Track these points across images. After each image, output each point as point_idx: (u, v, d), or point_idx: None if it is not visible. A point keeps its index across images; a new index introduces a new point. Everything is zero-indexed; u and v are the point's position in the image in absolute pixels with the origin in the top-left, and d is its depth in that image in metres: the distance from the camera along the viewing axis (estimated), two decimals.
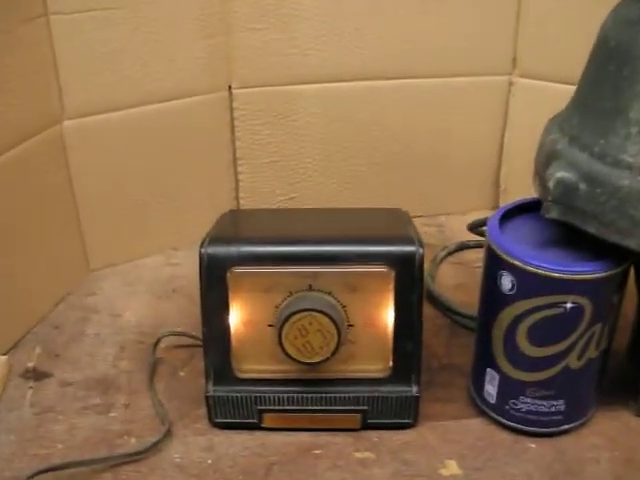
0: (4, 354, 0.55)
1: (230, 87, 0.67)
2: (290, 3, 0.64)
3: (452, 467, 0.46)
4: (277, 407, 0.48)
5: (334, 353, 0.45)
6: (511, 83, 0.70)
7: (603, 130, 0.42)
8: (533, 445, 0.47)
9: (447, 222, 0.74)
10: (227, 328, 0.46)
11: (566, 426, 0.48)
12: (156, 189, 0.67)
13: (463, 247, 0.69)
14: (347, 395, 0.47)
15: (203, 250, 0.45)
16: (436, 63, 0.69)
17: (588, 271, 0.42)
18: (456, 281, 0.65)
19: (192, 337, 0.56)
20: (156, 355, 0.55)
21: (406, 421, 0.48)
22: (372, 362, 0.47)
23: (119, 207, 0.65)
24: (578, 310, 0.43)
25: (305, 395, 0.47)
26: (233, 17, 0.64)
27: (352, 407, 0.48)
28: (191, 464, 0.46)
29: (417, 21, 0.67)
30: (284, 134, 0.69)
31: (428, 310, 0.59)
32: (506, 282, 0.44)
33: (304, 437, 0.48)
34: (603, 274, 0.43)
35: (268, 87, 0.67)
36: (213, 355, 0.47)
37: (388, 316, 0.46)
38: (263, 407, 0.48)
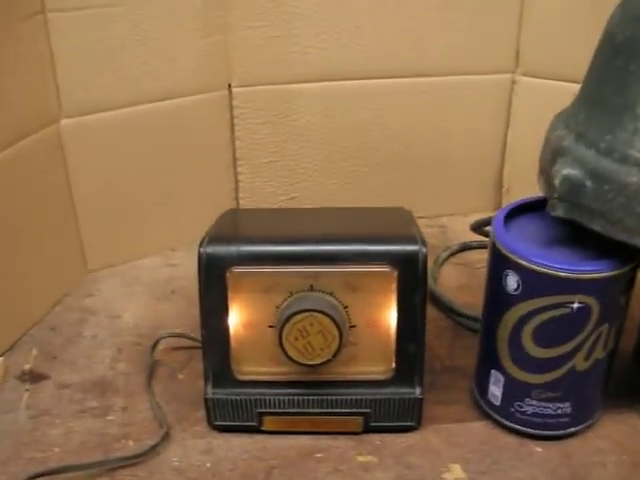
0: (0, 356, 0.55)
1: (230, 86, 0.66)
2: (290, 0, 0.64)
3: (456, 471, 0.45)
4: (277, 410, 0.47)
5: (335, 355, 0.44)
6: (514, 81, 0.70)
7: (610, 126, 0.41)
8: (539, 449, 0.47)
9: (449, 223, 0.74)
10: (226, 329, 0.46)
11: (572, 429, 0.47)
12: (155, 189, 0.66)
13: (466, 248, 0.69)
14: (349, 397, 0.47)
15: (202, 249, 0.45)
16: (438, 61, 0.68)
17: (595, 270, 0.42)
18: (459, 282, 0.64)
19: (191, 339, 0.55)
20: (154, 357, 0.55)
21: (409, 424, 0.48)
22: (374, 364, 0.47)
23: (117, 207, 0.65)
24: (585, 310, 0.42)
25: (306, 398, 0.47)
26: (233, 15, 0.64)
27: (354, 410, 0.47)
28: (190, 468, 0.46)
29: (418, 19, 0.66)
30: (284, 133, 0.69)
31: (431, 311, 0.58)
32: (511, 282, 0.44)
33: (305, 440, 0.48)
34: (611, 273, 0.42)
35: (268, 86, 0.67)
36: (212, 357, 0.47)
37: (390, 317, 0.45)
38: (263, 410, 0.47)
